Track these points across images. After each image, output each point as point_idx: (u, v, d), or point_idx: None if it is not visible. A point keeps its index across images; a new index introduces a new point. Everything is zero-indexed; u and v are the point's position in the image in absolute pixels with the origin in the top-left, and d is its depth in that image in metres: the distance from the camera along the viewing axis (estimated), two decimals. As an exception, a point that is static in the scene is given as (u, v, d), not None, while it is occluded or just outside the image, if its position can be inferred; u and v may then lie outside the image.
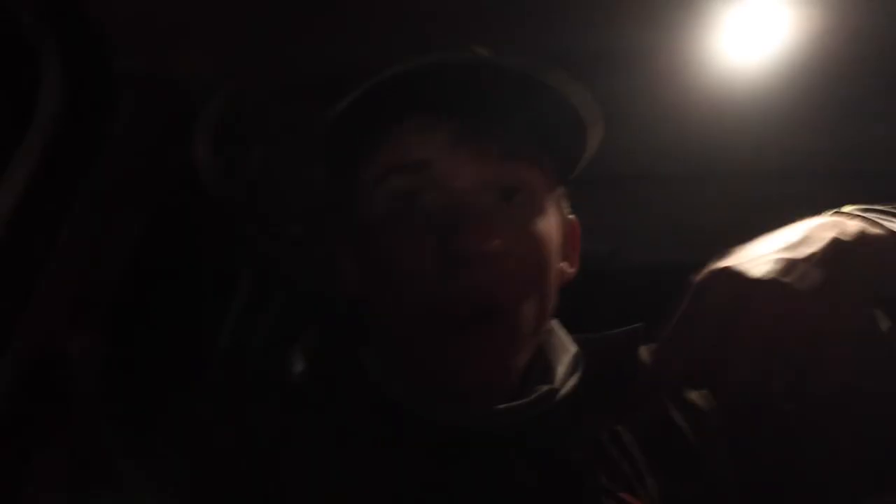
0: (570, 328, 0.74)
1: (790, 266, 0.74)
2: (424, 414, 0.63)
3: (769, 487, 0.70)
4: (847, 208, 0.80)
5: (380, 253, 0.63)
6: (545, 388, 0.64)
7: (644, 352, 0.78)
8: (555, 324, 0.73)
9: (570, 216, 0.72)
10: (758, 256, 0.78)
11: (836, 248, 0.74)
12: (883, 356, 0.69)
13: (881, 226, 0.75)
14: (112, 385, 0.88)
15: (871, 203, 0.79)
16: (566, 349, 0.71)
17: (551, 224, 0.65)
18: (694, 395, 0.73)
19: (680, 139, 1.17)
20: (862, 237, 0.74)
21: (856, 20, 0.91)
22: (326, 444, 0.63)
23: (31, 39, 0.76)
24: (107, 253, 0.88)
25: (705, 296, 0.80)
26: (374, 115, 0.62)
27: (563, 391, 0.66)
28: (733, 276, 0.77)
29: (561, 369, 0.68)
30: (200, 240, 1.14)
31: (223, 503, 0.61)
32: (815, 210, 0.83)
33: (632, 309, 0.79)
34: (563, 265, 0.70)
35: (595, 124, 0.64)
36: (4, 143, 0.78)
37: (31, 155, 0.77)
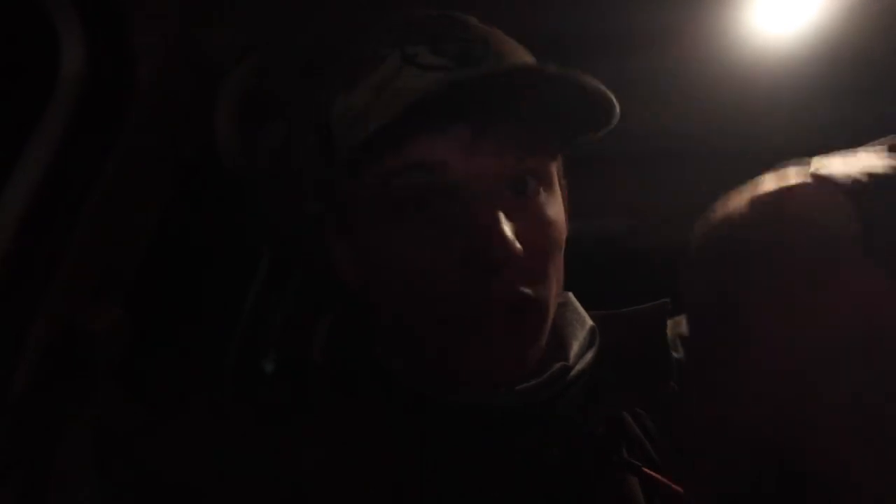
0: (589, 307, 0.71)
1: None
2: (440, 397, 0.62)
3: None
4: None
5: (389, 255, 0.60)
6: (558, 365, 0.63)
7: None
8: (569, 296, 0.71)
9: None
10: None
11: None
12: None
13: None
14: (135, 362, 0.89)
15: None
16: (582, 323, 0.69)
17: (559, 201, 0.63)
18: None
19: (708, 117, 1.15)
20: None
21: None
22: (344, 433, 0.62)
23: (52, 12, 0.76)
24: (130, 230, 0.89)
25: None
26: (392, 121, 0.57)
27: (579, 367, 0.64)
28: None
29: (576, 345, 0.66)
30: (222, 217, 1.13)
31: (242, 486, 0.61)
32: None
33: (651, 289, 0.78)
34: None
35: (609, 106, 0.60)
36: (26, 120, 0.78)
37: (52, 132, 0.77)
